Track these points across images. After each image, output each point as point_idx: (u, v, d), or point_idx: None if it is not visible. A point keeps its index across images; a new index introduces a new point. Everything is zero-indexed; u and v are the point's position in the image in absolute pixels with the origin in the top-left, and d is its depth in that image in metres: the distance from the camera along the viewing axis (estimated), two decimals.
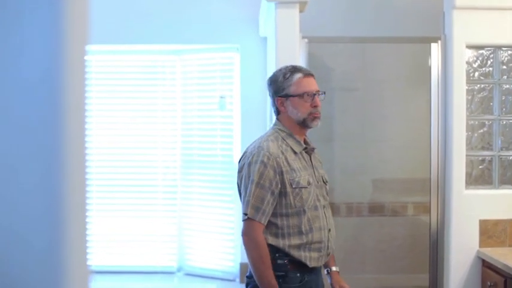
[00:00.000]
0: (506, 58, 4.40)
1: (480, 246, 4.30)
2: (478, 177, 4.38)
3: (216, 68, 6.75)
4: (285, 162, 3.15)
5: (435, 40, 4.48)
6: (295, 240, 3.14)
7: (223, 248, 6.67)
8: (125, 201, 6.90)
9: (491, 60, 4.40)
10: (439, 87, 4.46)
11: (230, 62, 6.69)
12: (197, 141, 6.81)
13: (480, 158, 4.38)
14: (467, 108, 4.35)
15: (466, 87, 4.36)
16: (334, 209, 5.15)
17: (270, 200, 3.12)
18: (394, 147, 5.52)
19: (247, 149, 3.30)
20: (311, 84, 3.24)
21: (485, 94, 4.38)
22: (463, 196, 4.34)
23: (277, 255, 3.13)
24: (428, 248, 4.60)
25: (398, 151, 5.50)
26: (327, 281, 3.39)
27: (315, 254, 3.18)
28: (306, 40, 4.46)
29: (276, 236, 3.15)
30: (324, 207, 3.25)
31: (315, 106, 3.22)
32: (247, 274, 3.26)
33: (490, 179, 4.38)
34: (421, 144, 4.59)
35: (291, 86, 3.21)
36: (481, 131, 4.38)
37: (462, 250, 4.32)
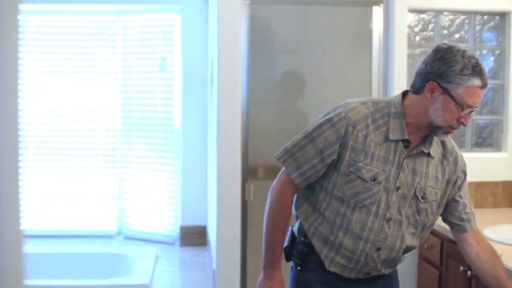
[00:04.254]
0: (447, 23, 4.43)
1: None
2: None
3: (157, 29, 6.67)
4: (359, 138, 2.52)
5: (377, 3, 4.48)
6: (325, 230, 2.62)
7: (164, 211, 6.65)
8: (64, 164, 6.82)
9: (433, 24, 4.42)
10: (380, 51, 4.47)
11: (171, 24, 6.61)
12: (137, 103, 6.74)
13: None
14: (408, 73, 4.37)
15: (407, 52, 4.38)
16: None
17: (314, 162, 2.57)
18: None
19: None
20: (477, 99, 2.46)
21: None
22: None
23: (302, 239, 2.68)
24: None
25: None
26: None
27: (341, 260, 2.63)
28: (248, 1, 4.41)
29: (313, 210, 2.66)
30: (389, 220, 2.57)
31: (461, 123, 2.48)
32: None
33: None
34: None
35: (460, 86, 2.41)
36: None
37: None
